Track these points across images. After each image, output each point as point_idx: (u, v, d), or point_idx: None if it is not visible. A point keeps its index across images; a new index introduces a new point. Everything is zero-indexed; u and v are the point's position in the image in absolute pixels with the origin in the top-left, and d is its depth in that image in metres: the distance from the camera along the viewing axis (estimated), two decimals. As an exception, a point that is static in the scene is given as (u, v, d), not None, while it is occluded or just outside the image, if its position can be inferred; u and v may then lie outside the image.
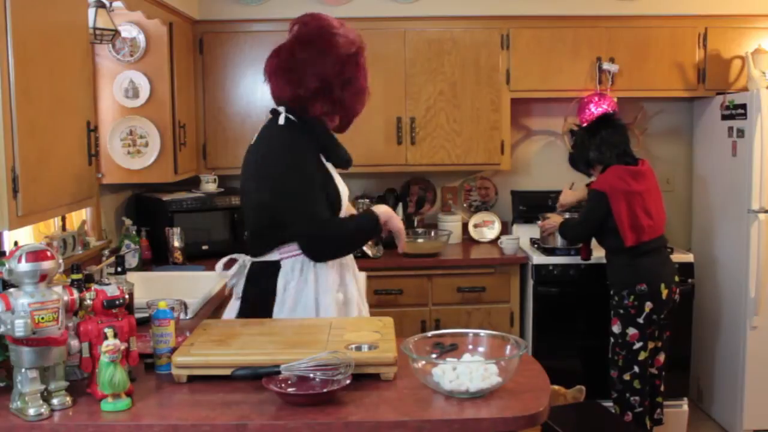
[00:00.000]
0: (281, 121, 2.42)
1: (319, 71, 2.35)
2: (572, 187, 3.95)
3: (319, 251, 2.39)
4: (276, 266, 2.41)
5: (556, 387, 3.54)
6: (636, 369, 3.49)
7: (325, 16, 2.47)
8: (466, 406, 1.79)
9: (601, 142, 3.51)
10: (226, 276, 2.51)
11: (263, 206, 2.40)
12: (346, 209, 2.55)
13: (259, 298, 2.43)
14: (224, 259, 2.50)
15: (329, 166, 2.46)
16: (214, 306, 2.96)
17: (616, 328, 3.52)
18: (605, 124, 3.57)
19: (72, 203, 2.40)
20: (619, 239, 3.43)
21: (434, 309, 3.98)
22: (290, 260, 2.41)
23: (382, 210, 2.48)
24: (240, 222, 3.94)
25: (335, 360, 1.85)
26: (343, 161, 2.51)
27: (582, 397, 3.48)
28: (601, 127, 3.56)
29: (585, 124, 3.78)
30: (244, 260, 2.49)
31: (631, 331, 3.47)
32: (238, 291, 2.49)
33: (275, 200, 2.36)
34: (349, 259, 2.57)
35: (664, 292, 3.45)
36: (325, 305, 2.40)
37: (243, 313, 2.45)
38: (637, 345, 3.47)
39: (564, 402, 3.49)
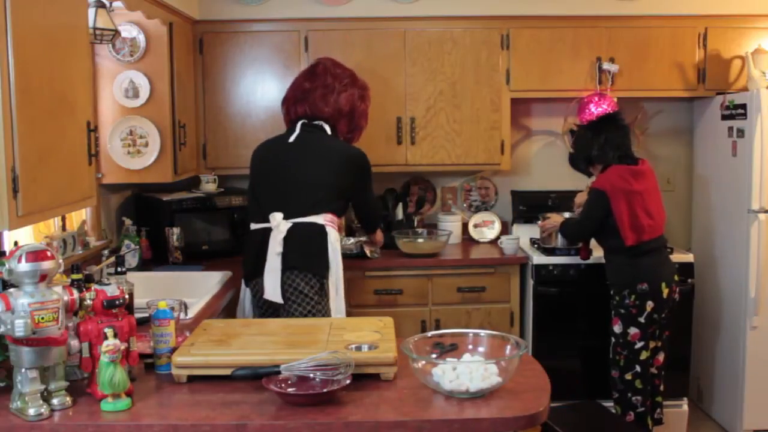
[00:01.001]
0: (329, 131, 3.27)
1: (350, 99, 3.34)
2: (587, 187, 3.94)
3: (376, 226, 3.63)
4: (323, 229, 3.08)
5: None
6: (638, 368, 3.48)
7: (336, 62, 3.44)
8: (466, 406, 1.79)
9: (605, 142, 3.50)
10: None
11: (337, 183, 3.19)
12: None
13: (309, 252, 3.07)
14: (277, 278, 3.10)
15: None
16: (214, 306, 2.96)
17: (617, 328, 3.52)
18: (610, 123, 3.56)
19: (72, 203, 2.40)
20: (619, 239, 3.43)
21: (434, 309, 3.98)
22: (330, 228, 3.11)
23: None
24: (240, 222, 3.94)
25: (335, 360, 1.85)
26: None
27: None
28: (605, 127, 3.55)
29: (589, 122, 3.76)
30: (278, 217, 3.08)
31: (633, 330, 3.46)
32: (277, 245, 3.04)
33: (356, 183, 3.28)
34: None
35: (665, 291, 3.45)
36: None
37: (292, 260, 3.03)
38: (639, 344, 3.47)
39: None
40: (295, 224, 3.04)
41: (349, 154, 3.22)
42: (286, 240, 3.02)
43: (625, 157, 3.51)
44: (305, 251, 3.03)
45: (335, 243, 3.09)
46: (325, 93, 3.22)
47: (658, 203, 3.55)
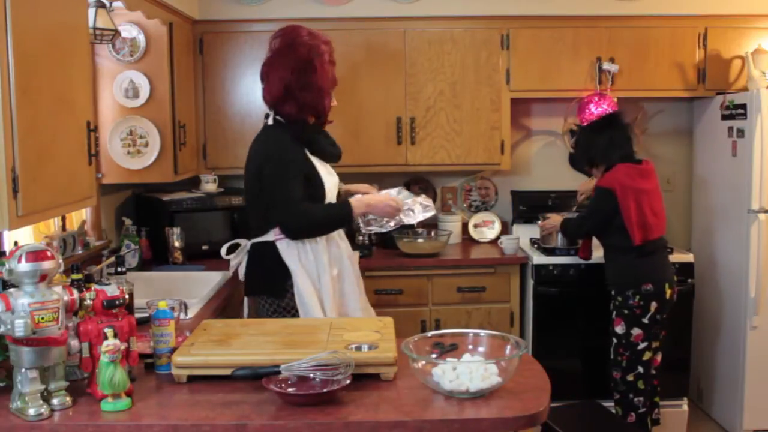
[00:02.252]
0: (270, 121, 2.84)
1: (281, 78, 2.75)
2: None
3: (292, 232, 2.74)
4: (273, 246, 2.76)
5: None
6: (640, 369, 3.47)
7: (295, 28, 2.83)
8: (466, 406, 1.79)
9: (608, 143, 3.49)
10: (229, 258, 2.93)
11: (254, 194, 2.80)
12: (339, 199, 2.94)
13: (260, 274, 2.81)
14: (228, 243, 2.96)
15: (315, 159, 2.82)
16: (214, 306, 2.96)
17: (619, 329, 3.50)
18: (612, 123, 3.55)
19: (72, 203, 2.40)
20: (625, 238, 3.40)
21: (434, 309, 3.98)
22: (284, 241, 2.75)
23: (363, 202, 2.84)
24: (240, 222, 3.95)
25: (335, 360, 1.85)
26: (327, 155, 2.89)
27: None
28: (607, 127, 3.53)
29: (591, 122, 3.75)
30: (246, 244, 2.89)
31: (636, 331, 3.45)
32: (241, 270, 2.90)
33: (262, 189, 2.75)
34: (343, 243, 2.90)
35: (668, 292, 3.45)
36: (324, 282, 2.76)
37: (249, 286, 2.86)
38: (642, 345, 3.46)
39: None
40: (252, 245, 2.85)
41: (254, 153, 2.83)
42: (248, 263, 2.86)
43: (628, 156, 3.50)
44: (259, 274, 2.81)
45: (294, 256, 2.74)
46: (265, 72, 2.82)
47: (661, 203, 3.54)
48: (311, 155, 2.81)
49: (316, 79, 2.76)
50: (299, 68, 2.74)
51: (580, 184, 3.89)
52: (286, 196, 2.68)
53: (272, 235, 2.76)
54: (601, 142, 3.50)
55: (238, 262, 2.92)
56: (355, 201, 2.82)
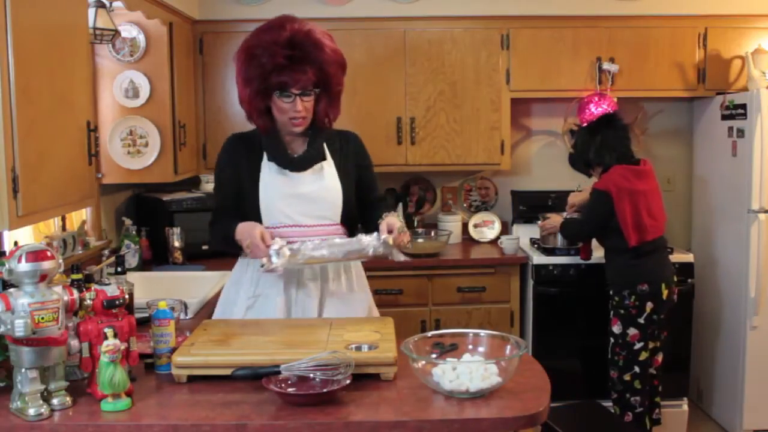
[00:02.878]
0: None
1: (240, 80, 2.48)
2: (579, 188, 3.95)
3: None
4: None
5: None
6: (636, 369, 3.48)
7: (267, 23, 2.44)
8: (466, 406, 1.79)
9: (601, 144, 3.50)
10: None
11: None
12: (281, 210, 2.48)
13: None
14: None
15: (271, 165, 2.47)
16: (214, 306, 2.95)
17: (616, 329, 3.51)
18: (607, 124, 3.56)
19: (72, 203, 2.40)
20: (622, 239, 3.42)
21: (434, 309, 3.98)
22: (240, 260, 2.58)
23: (244, 229, 2.34)
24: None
25: (335, 360, 1.85)
26: (282, 162, 2.47)
27: None
28: (602, 128, 3.54)
29: (587, 124, 3.76)
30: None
31: (632, 331, 3.46)
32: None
33: None
34: (313, 283, 2.49)
35: (665, 292, 3.45)
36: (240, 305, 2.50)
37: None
38: (638, 345, 3.47)
39: None
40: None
41: None
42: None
43: (624, 157, 3.50)
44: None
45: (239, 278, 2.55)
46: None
47: (659, 203, 3.54)
48: (268, 161, 2.48)
49: (238, 75, 2.49)
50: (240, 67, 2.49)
51: (571, 195, 3.90)
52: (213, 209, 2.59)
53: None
54: (596, 144, 3.51)
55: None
56: (242, 227, 2.36)
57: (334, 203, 2.49)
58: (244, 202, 2.47)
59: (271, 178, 2.47)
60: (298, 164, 2.49)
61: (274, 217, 2.45)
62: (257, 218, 2.44)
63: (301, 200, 2.47)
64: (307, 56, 2.39)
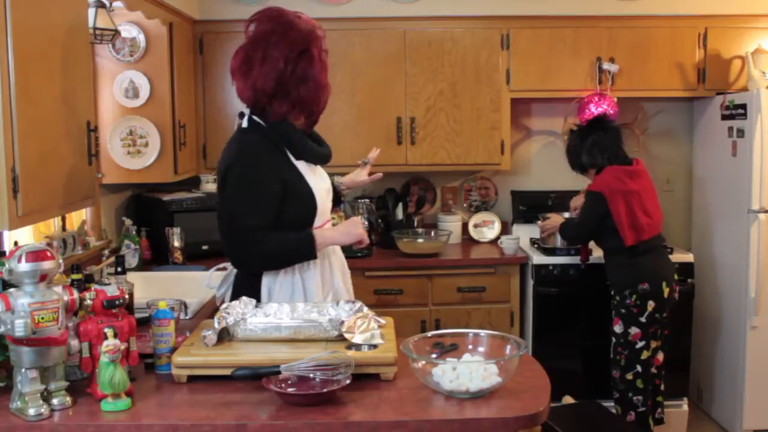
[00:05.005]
0: (244, 124, 2.39)
1: (273, 71, 2.28)
2: (583, 190, 3.96)
3: (240, 263, 2.38)
4: (258, 274, 2.39)
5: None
6: (638, 368, 3.48)
7: (280, 10, 2.36)
8: (466, 406, 1.79)
9: (592, 146, 3.55)
10: (213, 287, 2.52)
11: (222, 216, 2.38)
12: (326, 208, 2.49)
13: None
14: (213, 269, 2.54)
15: (301, 165, 2.39)
16: (214, 306, 2.95)
17: (617, 328, 3.52)
18: (596, 127, 3.60)
19: (72, 203, 2.40)
20: (619, 239, 3.44)
21: (434, 309, 3.98)
22: (272, 273, 2.39)
23: (325, 237, 2.38)
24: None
25: (335, 360, 1.85)
26: (315, 157, 2.43)
27: None
28: (592, 131, 3.58)
29: (577, 128, 3.77)
30: (232, 270, 2.47)
31: (634, 330, 3.46)
32: (227, 301, 2.43)
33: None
34: (336, 260, 2.54)
35: (666, 291, 3.46)
36: None
37: None
38: (640, 344, 3.47)
39: None
40: (236, 276, 2.47)
41: (220, 162, 2.40)
42: (232, 297, 2.43)
43: (616, 157, 3.52)
44: None
45: (273, 285, 2.39)
46: (245, 64, 2.34)
47: (655, 202, 3.56)
48: (297, 160, 2.39)
49: (314, 71, 2.32)
50: (295, 57, 2.29)
51: (573, 198, 3.91)
52: (238, 218, 2.28)
53: None
54: (587, 146, 3.55)
55: (224, 292, 2.50)
56: (319, 236, 2.36)
57: None
58: (290, 206, 2.33)
59: (310, 176, 2.40)
60: (326, 158, 2.48)
61: (323, 215, 2.46)
62: (309, 221, 2.38)
63: (329, 194, 2.52)
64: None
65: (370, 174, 2.81)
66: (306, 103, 2.35)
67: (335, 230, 2.46)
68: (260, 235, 2.29)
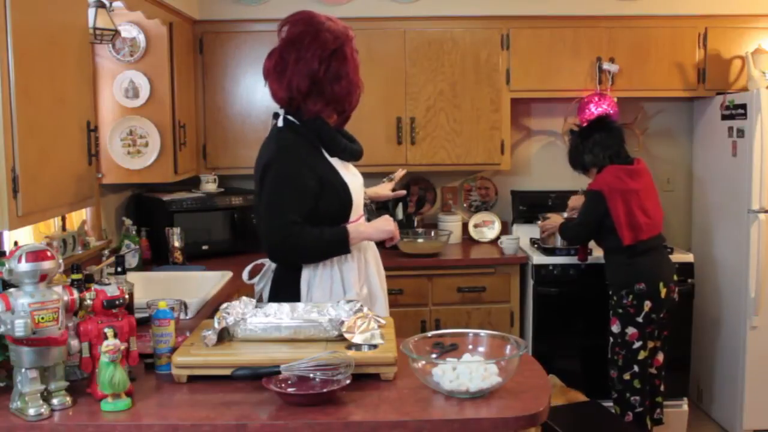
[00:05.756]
0: (280, 123, 2.48)
1: (307, 70, 2.37)
2: (581, 191, 3.97)
3: (276, 257, 2.47)
4: (297, 268, 2.46)
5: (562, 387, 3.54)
6: (636, 368, 3.49)
7: (311, 13, 2.47)
8: (466, 406, 1.79)
9: (594, 145, 3.55)
10: (253, 282, 2.59)
11: (260, 212, 2.46)
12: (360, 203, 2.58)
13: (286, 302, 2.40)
14: (250, 265, 2.60)
15: (335, 161, 2.49)
16: (214, 306, 2.95)
17: (615, 328, 3.52)
18: (599, 127, 3.60)
19: (72, 203, 2.40)
20: (617, 238, 3.44)
21: (434, 309, 3.98)
22: (310, 266, 2.46)
23: (359, 232, 2.47)
24: (240, 221, 3.95)
25: (335, 360, 1.85)
26: (349, 154, 2.54)
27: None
28: (594, 130, 3.59)
29: (579, 128, 3.78)
30: (270, 265, 2.55)
31: (631, 330, 3.47)
32: (265, 296, 2.56)
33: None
34: (371, 255, 2.63)
35: (663, 291, 3.46)
36: None
37: None
38: (637, 344, 3.47)
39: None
40: (276, 271, 2.53)
41: (258, 160, 2.49)
42: (271, 291, 2.53)
43: (617, 156, 3.52)
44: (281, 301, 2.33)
45: (317, 287, 2.46)
46: (279, 65, 2.42)
47: (655, 202, 3.56)
48: (331, 157, 2.48)
49: (347, 69, 2.42)
50: (328, 57, 2.38)
51: (571, 198, 3.91)
52: (276, 213, 2.36)
53: None
54: (589, 145, 3.55)
55: (262, 287, 2.57)
56: (353, 231, 2.46)
57: None
58: (327, 202, 2.42)
59: (344, 172, 2.50)
60: (359, 154, 2.60)
61: (357, 210, 2.54)
62: (345, 215, 2.47)
63: (362, 190, 2.63)
64: None
65: (393, 190, 2.95)
66: (339, 100, 2.45)
67: (369, 226, 2.55)
68: (297, 230, 2.36)
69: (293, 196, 2.37)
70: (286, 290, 2.46)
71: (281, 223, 2.36)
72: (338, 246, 2.43)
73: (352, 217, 2.51)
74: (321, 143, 2.46)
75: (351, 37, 2.47)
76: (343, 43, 2.42)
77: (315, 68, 2.37)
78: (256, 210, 2.49)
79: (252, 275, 2.59)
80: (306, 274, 2.46)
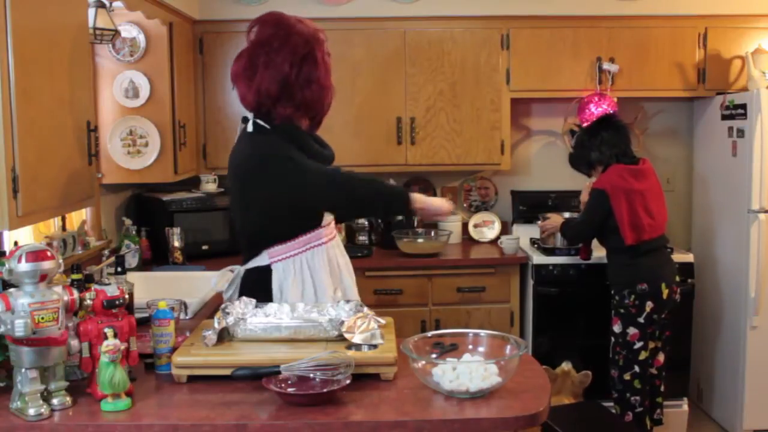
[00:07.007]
0: (249, 128, 2.41)
1: (277, 74, 2.32)
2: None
3: (340, 204, 2.41)
4: (267, 271, 2.38)
5: (566, 368, 3.55)
6: (636, 369, 3.48)
7: (281, 14, 2.42)
8: (466, 406, 1.79)
9: (601, 143, 3.52)
10: (221, 289, 2.48)
11: (242, 210, 2.41)
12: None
13: None
14: (219, 273, 2.49)
15: None
16: (214, 306, 2.95)
17: (616, 328, 3.52)
18: (606, 125, 3.58)
19: (72, 203, 2.40)
20: (620, 238, 3.43)
21: (434, 309, 3.98)
22: (281, 263, 2.38)
23: (421, 198, 2.49)
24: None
25: (335, 360, 1.85)
26: (321, 159, 2.44)
27: (588, 381, 3.51)
28: (601, 128, 3.57)
29: (585, 125, 3.77)
30: (239, 270, 2.46)
31: (632, 330, 3.47)
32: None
33: (249, 204, 2.36)
34: (344, 261, 2.54)
35: (665, 292, 3.45)
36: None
37: None
38: (638, 345, 3.47)
39: (571, 384, 3.51)
40: (245, 272, 2.44)
41: (233, 161, 2.44)
42: (240, 294, 2.39)
43: (623, 156, 3.52)
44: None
45: (289, 283, 2.38)
46: (248, 69, 2.37)
47: (660, 202, 3.55)
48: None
49: (318, 74, 2.36)
50: (299, 61, 2.33)
51: (582, 193, 3.89)
52: (315, 171, 2.32)
53: (266, 257, 2.38)
54: (594, 144, 3.53)
55: (232, 293, 2.44)
56: (413, 194, 2.48)
57: None
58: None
59: None
60: (330, 159, 2.51)
61: (328, 216, 2.45)
62: (318, 219, 2.40)
63: None
64: None
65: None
66: (309, 105, 2.39)
67: (427, 197, 2.55)
68: (341, 174, 2.41)
69: (305, 161, 2.33)
70: (253, 294, 2.25)
71: (324, 172, 2.37)
72: (397, 197, 2.47)
73: (324, 221, 2.42)
74: (295, 147, 2.38)
75: (322, 40, 2.41)
76: (313, 47, 2.36)
77: (285, 72, 2.32)
78: (234, 211, 2.46)
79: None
80: (276, 276, 2.37)
